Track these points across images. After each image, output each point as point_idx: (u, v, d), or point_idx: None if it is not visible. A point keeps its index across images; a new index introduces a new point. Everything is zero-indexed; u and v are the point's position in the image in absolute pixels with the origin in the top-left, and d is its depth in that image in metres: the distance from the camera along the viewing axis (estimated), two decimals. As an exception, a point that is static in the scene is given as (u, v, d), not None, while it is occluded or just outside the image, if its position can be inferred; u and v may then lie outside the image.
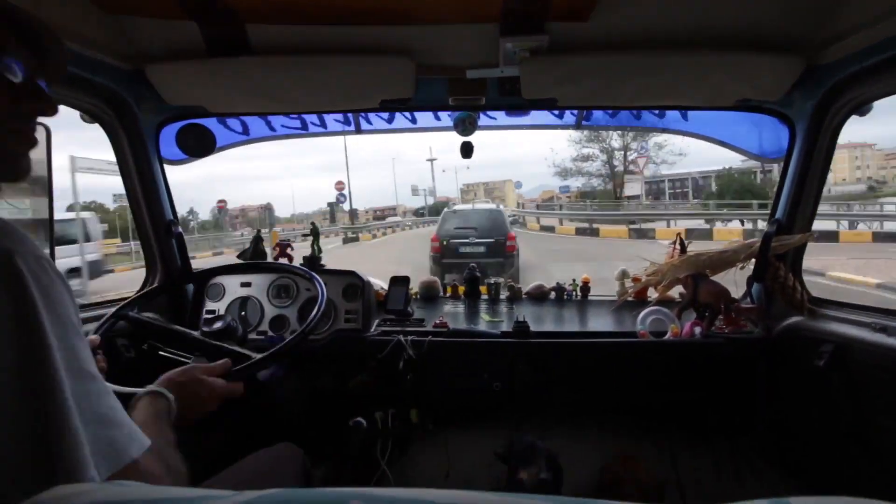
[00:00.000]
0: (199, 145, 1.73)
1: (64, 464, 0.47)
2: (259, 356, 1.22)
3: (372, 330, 1.81)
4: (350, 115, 1.83)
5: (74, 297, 0.54)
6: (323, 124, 1.87)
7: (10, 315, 0.47)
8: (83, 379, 0.52)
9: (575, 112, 1.82)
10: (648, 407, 1.89)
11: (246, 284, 1.87)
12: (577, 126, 1.88)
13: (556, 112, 1.82)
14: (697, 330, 1.73)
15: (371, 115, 1.82)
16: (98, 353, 1.15)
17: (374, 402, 1.77)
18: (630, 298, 2.07)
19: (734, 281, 1.79)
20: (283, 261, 1.95)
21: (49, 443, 0.47)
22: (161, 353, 1.33)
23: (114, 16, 1.28)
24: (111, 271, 11.62)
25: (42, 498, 0.35)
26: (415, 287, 2.15)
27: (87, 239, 9.23)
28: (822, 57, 1.33)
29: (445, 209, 9.78)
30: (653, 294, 2.06)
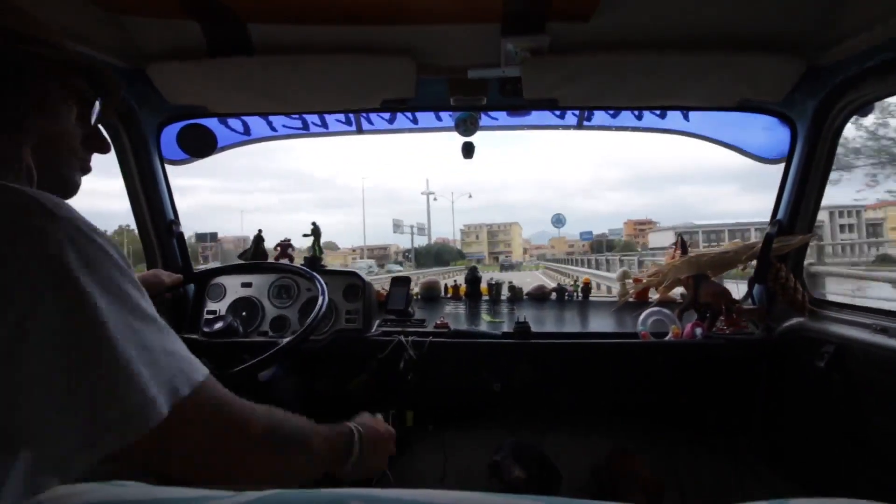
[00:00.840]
0: (200, 145, 1.73)
1: (122, 401, 0.47)
2: (260, 356, 1.22)
3: (373, 330, 1.81)
4: (351, 115, 1.83)
5: (121, 251, 0.55)
6: (324, 124, 1.87)
7: (51, 288, 0.46)
8: (140, 321, 0.52)
9: (576, 112, 1.82)
10: (649, 407, 1.89)
11: (247, 285, 1.87)
12: (579, 126, 1.88)
13: (558, 112, 1.81)
14: (698, 331, 1.73)
15: (372, 115, 1.82)
16: None
17: (375, 402, 1.77)
18: (631, 299, 2.07)
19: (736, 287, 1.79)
20: (284, 261, 1.95)
21: (101, 388, 0.47)
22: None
23: (115, 15, 1.28)
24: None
25: (42, 498, 0.35)
26: (416, 287, 2.15)
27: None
28: (823, 57, 1.33)
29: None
30: (654, 295, 2.06)
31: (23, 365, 0.43)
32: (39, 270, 0.46)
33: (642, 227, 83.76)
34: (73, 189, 0.69)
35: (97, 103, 0.70)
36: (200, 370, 0.57)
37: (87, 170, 0.71)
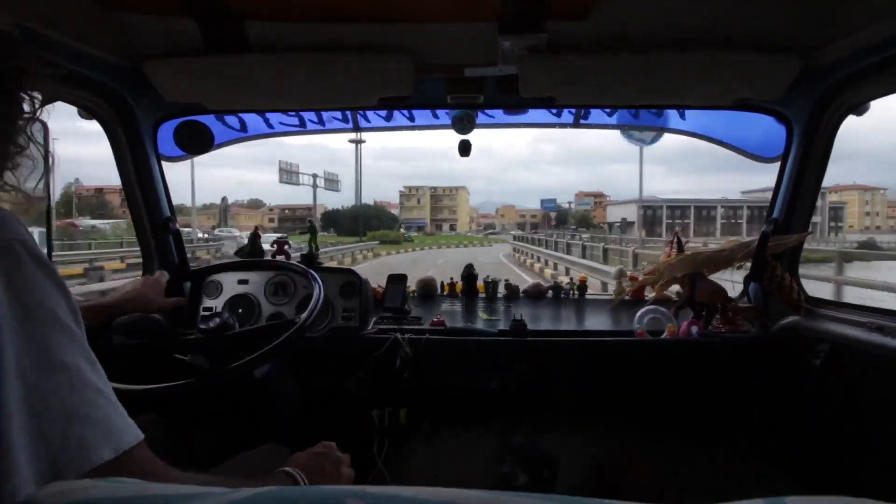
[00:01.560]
0: (196, 142, 1.73)
1: None
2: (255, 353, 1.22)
3: (369, 328, 1.81)
4: (348, 112, 1.82)
5: (64, 285, 0.53)
6: (321, 122, 1.87)
7: None
8: (53, 371, 0.49)
9: (573, 111, 1.82)
10: (645, 406, 1.89)
11: (243, 282, 1.87)
12: (576, 125, 1.88)
13: (555, 111, 1.82)
14: (694, 329, 1.74)
15: (369, 113, 1.82)
16: None
17: (371, 400, 1.77)
18: (627, 297, 2.08)
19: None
20: (281, 258, 1.95)
21: None
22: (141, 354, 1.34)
23: (112, 12, 1.28)
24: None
25: (38, 494, 0.35)
26: (412, 285, 2.15)
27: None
28: (820, 57, 1.33)
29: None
30: (650, 293, 2.06)
31: None
32: None
33: (597, 199, 79.26)
34: None
35: (38, 104, 0.63)
36: (117, 438, 0.52)
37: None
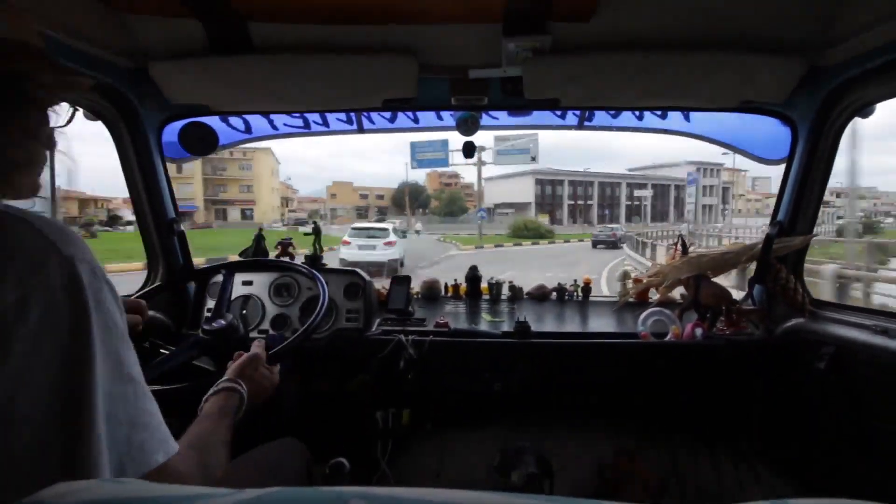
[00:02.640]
0: (201, 143, 1.73)
1: (80, 464, 0.49)
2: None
3: (373, 329, 1.81)
4: (353, 114, 1.83)
5: (121, 303, 0.59)
6: (325, 123, 1.87)
7: (66, 318, 0.51)
8: (123, 382, 0.55)
9: (577, 113, 1.82)
10: (649, 408, 1.89)
11: (248, 283, 1.88)
12: (580, 126, 1.88)
13: (559, 112, 1.82)
14: (698, 331, 1.73)
15: (374, 115, 1.82)
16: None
17: (375, 401, 1.77)
18: (631, 299, 2.08)
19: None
20: (285, 259, 1.95)
21: (70, 444, 0.49)
22: (162, 350, 1.34)
23: (118, 13, 1.28)
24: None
25: (43, 495, 0.35)
26: (416, 286, 2.15)
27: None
28: (825, 59, 1.33)
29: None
30: (654, 295, 2.06)
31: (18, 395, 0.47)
32: (49, 317, 0.50)
33: (449, 181, 63.53)
34: (37, 191, 0.67)
35: (70, 109, 0.69)
36: (166, 446, 0.59)
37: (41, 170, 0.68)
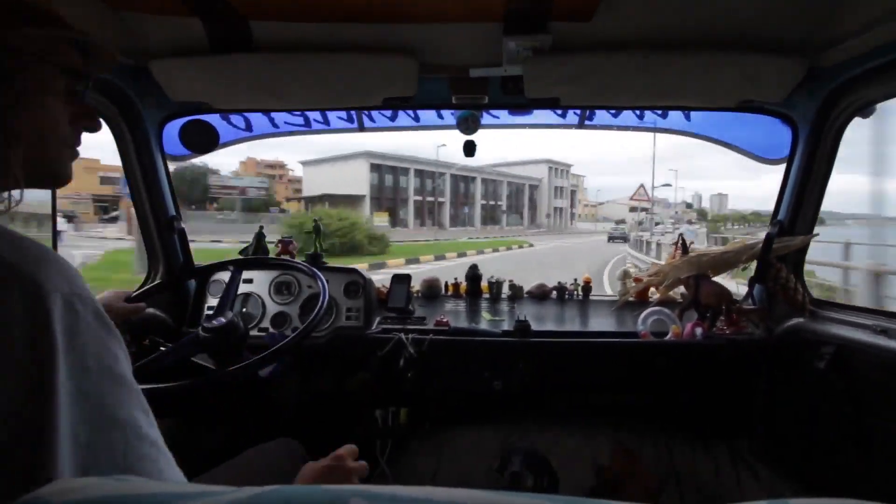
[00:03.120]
0: (202, 141, 1.73)
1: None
2: (261, 354, 1.23)
3: (373, 328, 1.82)
4: (353, 112, 1.83)
5: (119, 336, 0.52)
6: (326, 121, 1.87)
7: (26, 351, 0.44)
8: (107, 429, 0.48)
9: (578, 112, 1.82)
10: (649, 407, 1.89)
11: (248, 281, 1.88)
12: (580, 126, 1.88)
13: (559, 111, 1.82)
14: (699, 331, 1.73)
15: (374, 113, 1.82)
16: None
17: (374, 399, 1.77)
18: (631, 299, 2.08)
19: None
20: (286, 257, 1.95)
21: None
22: (163, 348, 1.34)
23: (118, 12, 1.28)
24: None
25: (43, 492, 0.35)
26: (416, 285, 2.15)
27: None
28: (825, 59, 1.33)
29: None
30: (654, 294, 2.06)
31: None
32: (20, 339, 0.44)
33: (273, 170, 53.85)
34: (66, 181, 0.62)
35: (88, 79, 0.63)
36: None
37: (76, 155, 0.63)
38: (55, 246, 1.64)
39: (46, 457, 0.43)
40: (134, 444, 0.50)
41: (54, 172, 0.61)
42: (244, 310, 1.83)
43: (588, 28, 1.30)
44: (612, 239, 28.05)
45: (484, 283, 2.21)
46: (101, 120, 0.68)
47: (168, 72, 1.44)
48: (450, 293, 2.23)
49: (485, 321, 1.93)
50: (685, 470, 1.81)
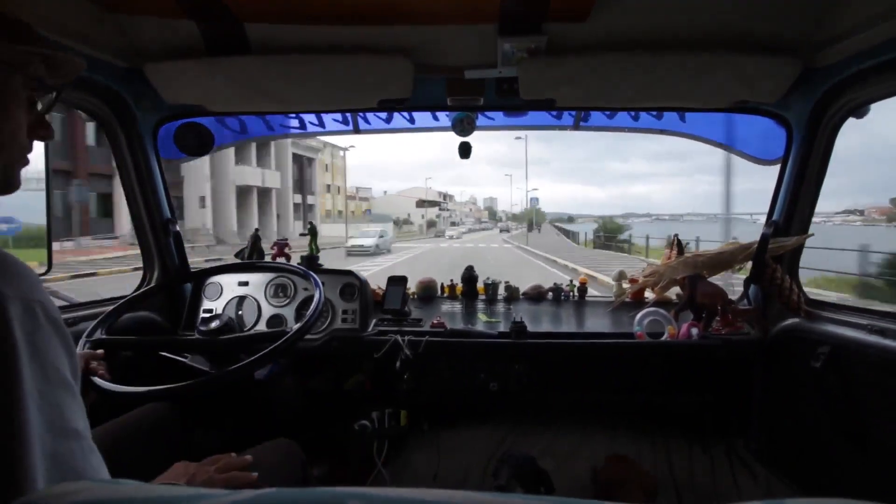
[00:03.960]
0: (197, 144, 1.73)
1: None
2: (256, 355, 1.22)
3: (369, 330, 1.81)
4: (348, 114, 1.83)
5: (72, 345, 0.52)
6: (321, 124, 1.88)
7: None
8: (67, 438, 0.49)
9: (573, 113, 1.82)
10: (645, 408, 1.89)
11: (243, 284, 1.87)
12: (576, 127, 1.88)
13: (554, 113, 1.82)
14: (694, 331, 1.73)
15: (369, 115, 1.82)
16: (99, 362, 1.13)
17: (371, 401, 1.77)
18: (627, 299, 2.08)
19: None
20: (281, 260, 1.95)
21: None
22: (178, 358, 1.34)
23: (113, 14, 1.28)
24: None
25: (39, 495, 0.35)
26: (412, 287, 2.15)
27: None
28: (819, 59, 1.33)
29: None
30: (650, 295, 2.06)
31: None
32: None
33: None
34: (16, 188, 0.62)
35: (54, 92, 0.64)
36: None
37: (27, 163, 0.64)
38: (49, 267, 1.63)
39: (18, 465, 0.43)
40: (87, 455, 0.51)
41: (9, 179, 0.61)
42: (240, 312, 1.82)
43: (583, 29, 1.30)
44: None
45: (480, 285, 2.21)
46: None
47: (163, 74, 1.44)
48: (446, 295, 2.23)
49: (481, 323, 1.93)
50: (682, 470, 1.81)
